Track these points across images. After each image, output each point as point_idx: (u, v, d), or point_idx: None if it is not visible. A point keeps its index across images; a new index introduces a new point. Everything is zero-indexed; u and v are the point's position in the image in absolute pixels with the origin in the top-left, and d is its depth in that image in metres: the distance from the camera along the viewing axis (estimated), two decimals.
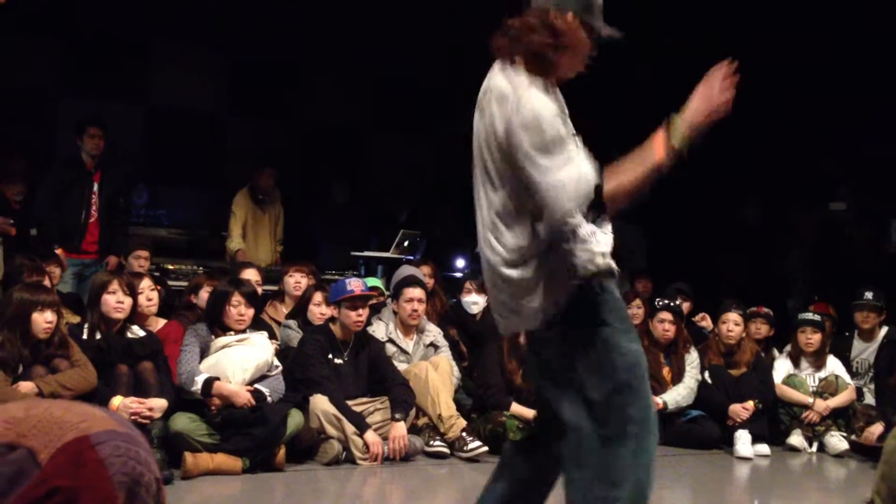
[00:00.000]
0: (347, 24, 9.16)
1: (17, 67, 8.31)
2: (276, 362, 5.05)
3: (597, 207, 2.30)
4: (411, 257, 7.64)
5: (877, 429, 5.78)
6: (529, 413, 4.76)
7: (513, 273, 2.39)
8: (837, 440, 5.98)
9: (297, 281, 6.11)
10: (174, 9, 8.63)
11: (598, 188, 2.28)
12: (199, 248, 8.22)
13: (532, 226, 2.35)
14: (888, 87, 7.59)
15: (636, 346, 2.39)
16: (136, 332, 4.80)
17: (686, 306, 6.79)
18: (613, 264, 2.36)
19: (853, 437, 5.96)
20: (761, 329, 6.47)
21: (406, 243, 7.83)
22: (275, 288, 6.43)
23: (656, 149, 2.34)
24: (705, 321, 6.95)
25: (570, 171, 2.24)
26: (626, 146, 2.40)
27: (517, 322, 2.47)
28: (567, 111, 2.42)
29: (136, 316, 4.87)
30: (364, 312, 5.29)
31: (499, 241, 2.41)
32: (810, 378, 6.25)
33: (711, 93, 2.36)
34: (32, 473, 0.90)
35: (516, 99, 2.29)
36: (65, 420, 0.97)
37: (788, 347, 6.43)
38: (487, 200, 2.44)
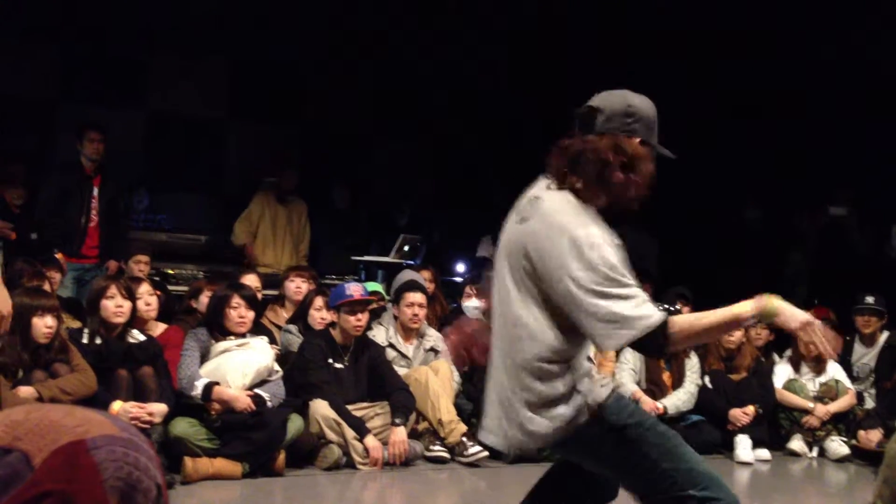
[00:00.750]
0: (347, 25, 9.16)
1: (17, 73, 8.32)
2: (276, 367, 5.04)
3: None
4: (412, 262, 7.63)
5: (875, 434, 5.77)
6: None
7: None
8: (838, 445, 5.97)
9: (297, 286, 6.11)
10: (173, 12, 8.64)
11: (664, 324, 2.19)
12: (199, 252, 8.21)
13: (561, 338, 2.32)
14: (888, 88, 7.58)
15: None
16: (136, 336, 4.80)
17: (686, 311, 6.77)
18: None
19: (853, 441, 5.96)
20: (762, 334, 6.46)
21: (406, 248, 7.82)
22: (275, 292, 6.42)
23: (743, 303, 2.27)
24: None
25: (628, 305, 2.19)
26: None
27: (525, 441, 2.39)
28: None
29: (135, 320, 4.87)
30: (364, 317, 5.29)
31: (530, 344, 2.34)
32: (811, 383, 6.24)
33: (822, 336, 2.27)
34: (26, 476, 0.90)
35: (579, 237, 2.22)
36: (62, 424, 0.96)
37: (789, 352, 6.43)
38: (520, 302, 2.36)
